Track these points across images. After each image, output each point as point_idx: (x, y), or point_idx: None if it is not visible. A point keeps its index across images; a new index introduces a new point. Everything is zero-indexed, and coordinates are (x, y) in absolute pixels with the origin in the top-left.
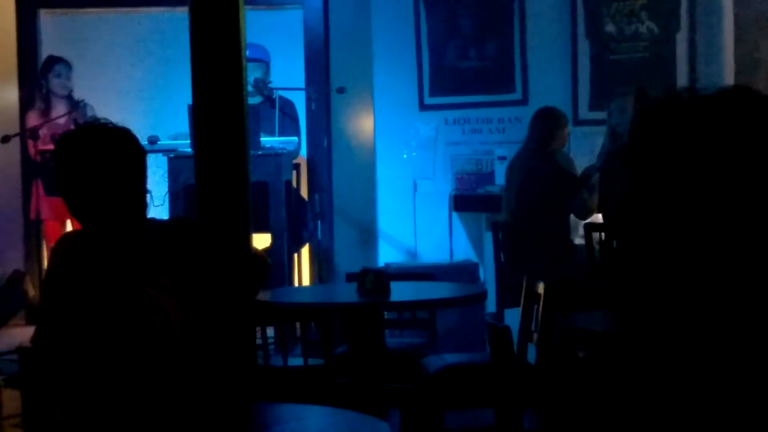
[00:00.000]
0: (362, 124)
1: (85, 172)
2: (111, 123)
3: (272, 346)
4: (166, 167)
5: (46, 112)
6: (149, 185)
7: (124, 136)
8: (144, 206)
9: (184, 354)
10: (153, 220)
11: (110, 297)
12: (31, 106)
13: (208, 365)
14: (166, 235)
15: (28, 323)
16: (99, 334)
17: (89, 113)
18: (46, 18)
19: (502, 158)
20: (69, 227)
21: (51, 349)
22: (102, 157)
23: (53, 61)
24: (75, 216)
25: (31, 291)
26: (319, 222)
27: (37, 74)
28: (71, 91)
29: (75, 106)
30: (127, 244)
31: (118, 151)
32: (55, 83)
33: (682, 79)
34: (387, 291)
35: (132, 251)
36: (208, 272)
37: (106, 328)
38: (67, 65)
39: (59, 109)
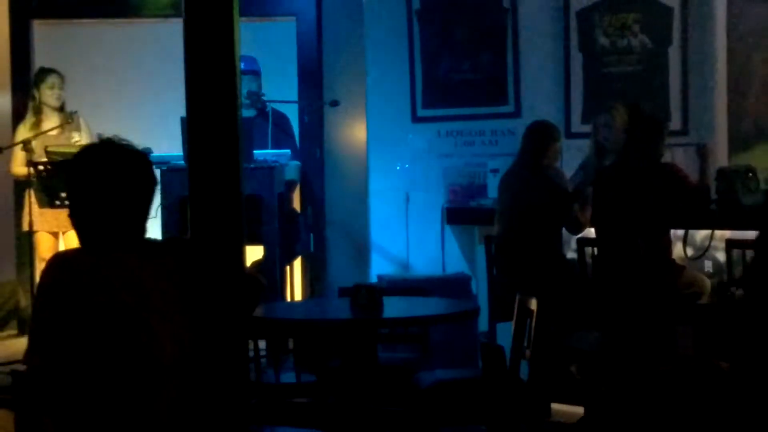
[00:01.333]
0: (355, 136)
1: (102, 188)
2: (131, 144)
3: (264, 359)
4: (159, 179)
5: (38, 124)
6: None
7: (143, 158)
8: (144, 230)
9: (177, 373)
10: (147, 240)
11: (102, 318)
12: (22, 118)
13: (201, 384)
14: (160, 255)
15: (20, 334)
16: (91, 355)
17: (82, 124)
18: (40, 29)
19: (494, 171)
20: (61, 239)
21: (43, 369)
22: (121, 177)
23: (46, 72)
24: (77, 229)
25: (23, 302)
26: (311, 234)
27: (29, 86)
28: (64, 102)
29: (68, 117)
30: (122, 265)
31: (136, 173)
32: (49, 95)
33: (674, 93)
34: (380, 307)
35: (126, 272)
36: (201, 286)
37: (98, 349)
38: (60, 76)
39: (51, 120)
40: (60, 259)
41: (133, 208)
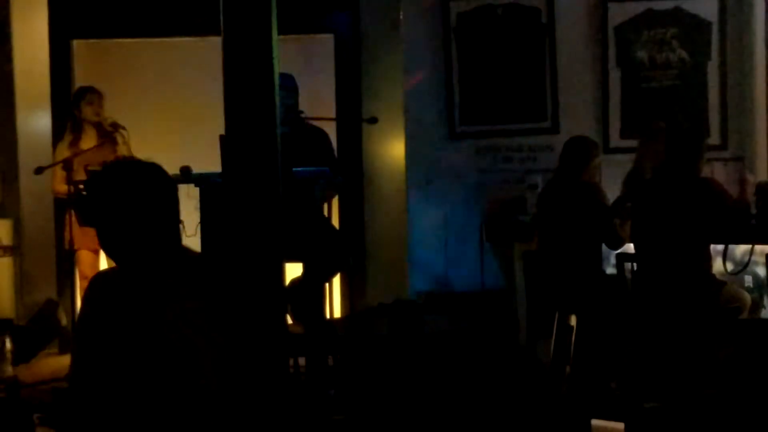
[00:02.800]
0: (393, 152)
1: (114, 209)
2: (138, 159)
3: (304, 377)
4: (198, 197)
5: (76, 142)
6: (182, 215)
7: (151, 170)
8: (178, 238)
9: (216, 389)
10: (187, 251)
11: (143, 335)
12: (62, 137)
13: (241, 400)
14: (199, 270)
15: (61, 352)
16: (132, 372)
17: (119, 140)
18: (80, 48)
19: (533, 187)
20: (102, 257)
21: (85, 387)
22: (130, 193)
23: (84, 89)
24: (108, 253)
25: (64, 320)
26: (350, 251)
27: (69, 105)
28: (102, 120)
29: (106, 135)
30: (161, 280)
31: (146, 186)
32: (88, 110)
33: (713, 107)
34: (420, 323)
35: (165, 286)
36: (241, 303)
37: (138, 366)
38: (98, 93)
39: (90, 137)
40: (101, 278)
41: (157, 222)
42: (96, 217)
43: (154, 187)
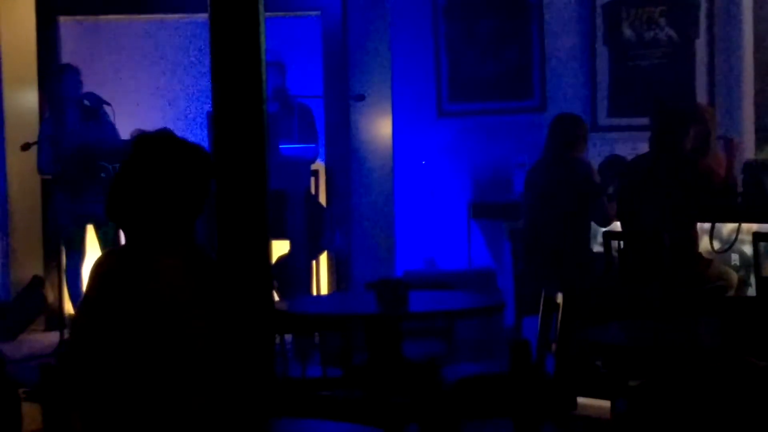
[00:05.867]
0: (380, 131)
1: (159, 180)
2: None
3: (290, 354)
4: None
5: (60, 121)
6: None
7: (205, 157)
8: (193, 230)
9: (207, 369)
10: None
11: (141, 316)
12: (45, 113)
13: (229, 379)
14: (203, 262)
15: (48, 329)
16: (126, 352)
17: (107, 118)
18: (66, 25)
19: (520, 165)
20: (91, 232)
21: (80, 364)
22: (184, 174)
23: (63, 67)
24: (123, 223)
25: (51, 297)
26: (337, 229)
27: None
28: (83, 96)
29: (89, 112)
30: (164, 268)
31: (198, 171)
32: (68, 88)
33: (700, 86)
34: (405, 301)
35: (167, 275)
36: (228, 281)
37: (134, 345)
38: (77, 69)
39: (73, 116)
40: (108, 256)
41: (187, 207)
42: (134, 182)
43: (202, 172)
